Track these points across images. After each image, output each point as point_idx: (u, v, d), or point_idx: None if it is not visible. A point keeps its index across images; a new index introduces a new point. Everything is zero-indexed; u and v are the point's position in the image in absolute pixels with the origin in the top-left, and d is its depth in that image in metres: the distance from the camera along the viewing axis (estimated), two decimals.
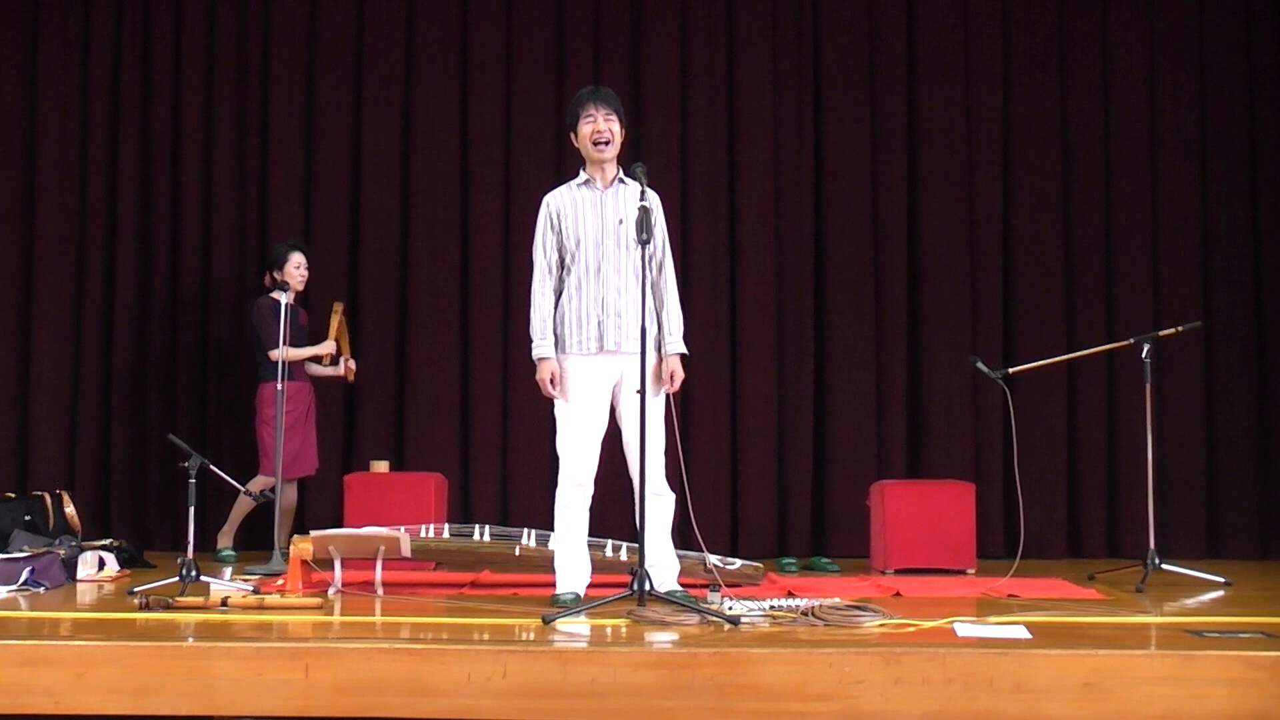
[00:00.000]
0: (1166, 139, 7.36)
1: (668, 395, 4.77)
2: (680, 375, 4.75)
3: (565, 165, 7.35)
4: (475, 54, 7.50)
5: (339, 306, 6.87)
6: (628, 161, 4.82)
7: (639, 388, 4.37)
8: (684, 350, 4.79)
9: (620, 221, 4.67)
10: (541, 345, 4.71)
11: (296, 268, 6.67)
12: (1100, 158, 7.37)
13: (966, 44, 7.42)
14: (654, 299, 4.72)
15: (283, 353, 6.28)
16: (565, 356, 4.71)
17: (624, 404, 4.66)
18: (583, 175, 4.78)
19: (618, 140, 4.72)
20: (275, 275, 6.69)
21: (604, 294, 4.67)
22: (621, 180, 4.78)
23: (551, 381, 4.69)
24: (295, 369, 6.53)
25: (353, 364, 6.91)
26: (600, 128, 4.68)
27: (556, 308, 4.74)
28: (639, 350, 4.45)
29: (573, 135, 4.77)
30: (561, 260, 4.76)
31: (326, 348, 6.75)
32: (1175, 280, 7.28)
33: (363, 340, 7.35)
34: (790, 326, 7.32)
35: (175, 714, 3.57)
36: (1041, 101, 7.39)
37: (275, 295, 6.57)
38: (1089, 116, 7.38)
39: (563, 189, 4.82)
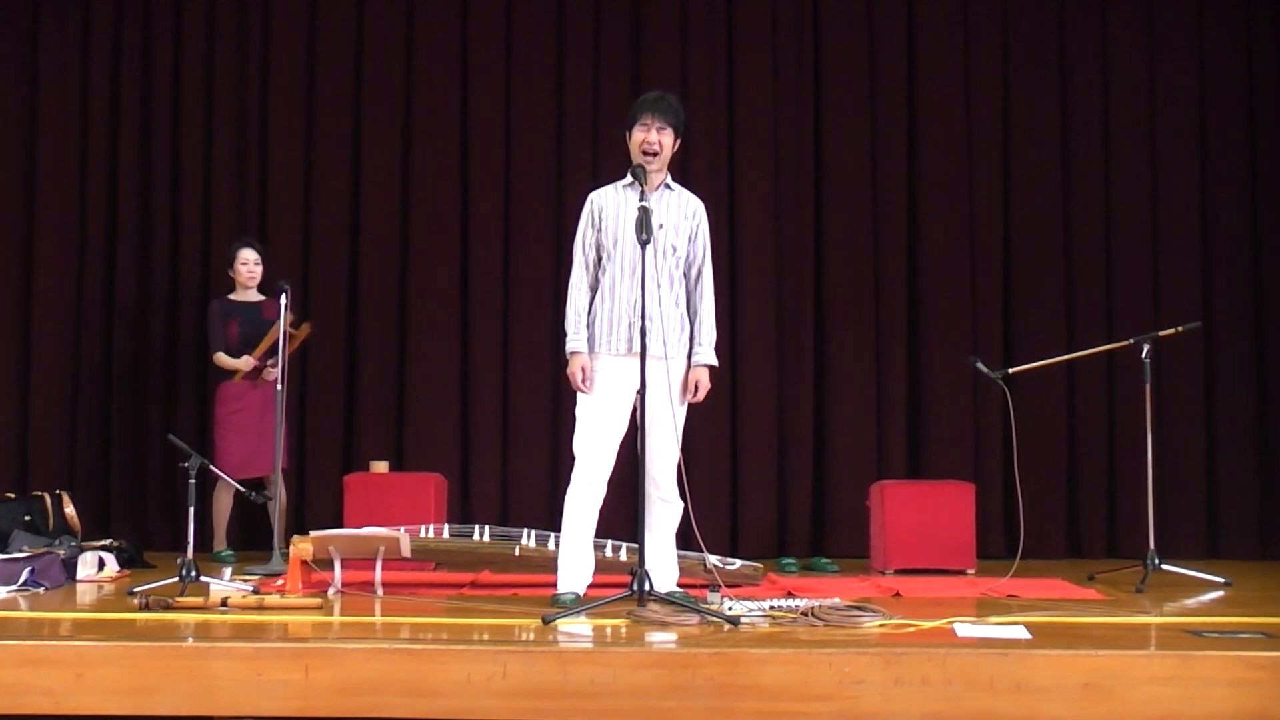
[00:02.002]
0: (1166, 139, 7.36)
1: (688, 404, 4.79)
2: (705, 386, 4.77)
3: (566, 165, 7.38)
4: (475, 54, 7.50)
5: (306, 328, 6.72)
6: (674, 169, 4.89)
7: (639, 389, 4.38)
8: (713, 362, 4.80)
9: (660, 226, 4.67)
10: (574, 340, 4.73)
11: (244, 265, 6.71)
12: (1100, 158, 7.37)
13: (966, 44, 7.42)
14: (688, 309, 4.78)
15: (282, 357, 6.28)
16: (594, 355, 4.72)
17: (646, 407, 4.64)
18: (629, 178, 4.77)
19: (667, 153, 4.74)
20: (230, 273, 6.78)
21: (637, 297, 4.66)
22: (668, 186, 4.80)
23: (583, 378, 4.70)
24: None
25: (275, 372, 6.49)
26: (651, 139, 4.70)
27: (591, 306, 4.76)
28: (667, 355, 4.56)
29: (627, 135, 4.78)
30: (599, 259, 4.78)
31: (243, 364, 6.64)
32: (1175, 280, 7.28)
33: (363, 340, 7.36)
34: (790, 326, 7.32)
35: (175, 714, 3.57)
36: (1041, 101, 7.39)
37: (233, 296, 6.77)
38: (1089, 116, 7.38)
39: (609, 188, 4.84)
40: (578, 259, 4.81)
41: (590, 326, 4.74)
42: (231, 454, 6.49)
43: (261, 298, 6.81)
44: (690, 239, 4.81)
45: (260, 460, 6.54)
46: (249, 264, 6.73)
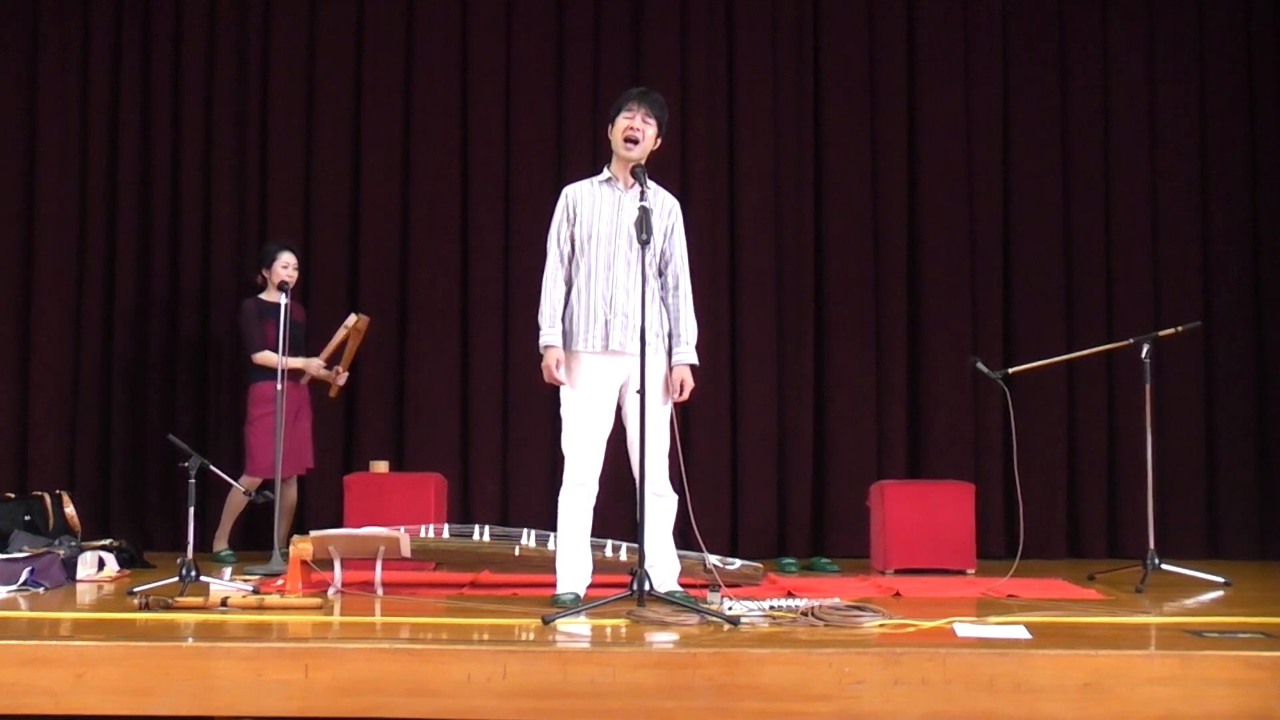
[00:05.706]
0: (1166, 139, 7.37)
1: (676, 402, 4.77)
2: (690, 385, 4.76)
3: (565, 166, 7.37)
4: (475, 55, 7.50)
5: (361, 322, 6.71)
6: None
7: (639, 388, 4.37)
8: (695, 360, 4.79)
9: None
10: (549, 334, 4.71)
11: (284, 268, 6.68)
12: (1100, 157, 7.38)
13: (966, 44, 7.43)
14: (667, 307, 4.76)
15: (281, 359, 6.24)
16: (573, 354, 4.71)
17: (629, 405, 4.64)
18: (606, 173, 4.78)
19: (647, 144, 4.72)
20: (265, 274, 6.72)
21: (612, 293, 4.66)
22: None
23: (558, 369, 4.68)
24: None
25: (342, 379, 6.79)
26: (635, 125, 4.68)
27: (567, 302, 4.75)
28: (647, 351, 4.49)
29: (609, 128, 4.77)
30: (573, 252, 4.77)
31: (313, 366, 6.70)
32: (1175, 280, 7.29)
33: (362, 341, 7.35)
34: (790, 326, 7.32)
35: (175, 714, 3.56)
36: (1041, 101, 7.40)
37: (264, 296, 6.67)
38: (1089, 116, 7.38)
39: (584, 183, 4.83)
40: (552, 252, 4.80)
41: (567, 323, 4.73)
42: (265, 454, 6.40)
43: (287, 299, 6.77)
44: (666, 235, 4.79)
45: (293, 459, 6.52)
46: (289, 267, 6.66)
